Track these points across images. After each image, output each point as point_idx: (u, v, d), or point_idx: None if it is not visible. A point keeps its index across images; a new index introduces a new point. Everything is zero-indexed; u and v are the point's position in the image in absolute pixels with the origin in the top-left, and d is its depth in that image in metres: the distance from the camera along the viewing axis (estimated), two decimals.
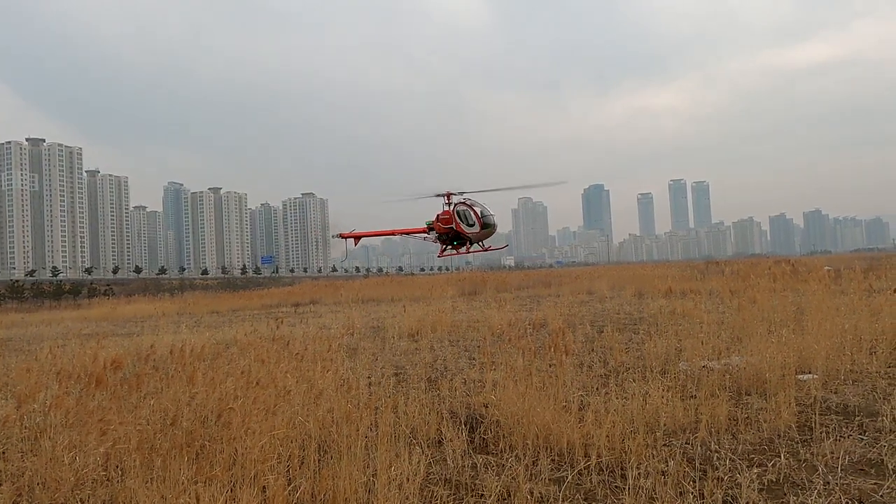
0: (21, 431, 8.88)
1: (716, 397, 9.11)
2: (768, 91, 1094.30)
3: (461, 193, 14.65)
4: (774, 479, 6.64)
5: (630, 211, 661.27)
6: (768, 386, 10.13)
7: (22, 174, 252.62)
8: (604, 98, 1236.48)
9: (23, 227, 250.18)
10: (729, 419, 8.67)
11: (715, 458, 7.26)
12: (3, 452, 8.17)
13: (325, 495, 6.11)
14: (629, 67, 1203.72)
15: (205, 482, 5.89)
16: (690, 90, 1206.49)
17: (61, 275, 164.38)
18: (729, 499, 6.10)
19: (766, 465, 7.00)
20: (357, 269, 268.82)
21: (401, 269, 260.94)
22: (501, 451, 7.87)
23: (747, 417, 8.85)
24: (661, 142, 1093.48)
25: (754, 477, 6.38)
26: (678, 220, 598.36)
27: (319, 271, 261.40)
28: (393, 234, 17.65)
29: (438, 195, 12.07)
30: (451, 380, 12.09)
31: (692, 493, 6.07)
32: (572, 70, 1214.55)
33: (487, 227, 14.24)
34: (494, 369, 12.16)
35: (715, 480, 6.30)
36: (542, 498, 6.34)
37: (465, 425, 8.76)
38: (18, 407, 9.17)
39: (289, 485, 6.23)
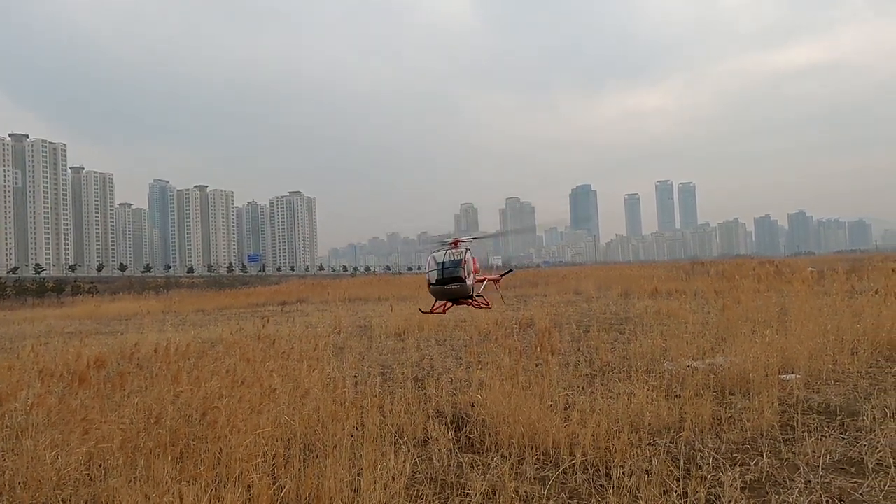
0: (2, 430, 8.79)
1: (700, 397, 9.18)
2: (754, 93, 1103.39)
3: (471, 240, 12.31)
4: (757, 478, 6.71)
5: (617, 211, 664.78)
6: (752, 386, 10.22)
7: (4, 170, 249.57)
8: (592, 99, 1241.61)
9: (5, 223, 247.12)
10: (713, 418, 8.74)
11: (699, 457, 7.32)
12: None
13: (310, 494, 6.09)
14: (617, 69, 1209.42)
15: (189, 481, 5.85)
16: (677, 92, 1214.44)
17: (44, 272, 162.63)
18: (712, 497, 6.15)
19: (749, 464, 7.07)
20: (344, 268, 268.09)
21: (388, 268, 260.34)
22: (487, 450, 7.89)
23: (731, 417, 8.93)
24: (649, 143, 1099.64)
25: (737, 476, 6.44)
26: (664, 221, 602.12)
27: (306, 270, 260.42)
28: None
29: (444, 242, 10.04)
30: (438, 379, 12.10)
31: (676, 491, 6.12)
32: (561, 71, 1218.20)
33: (433, 285, 10.58)
34: (481, 368, 12.17)
35: (698, 479, 6.35)
36: (527, 496, 6.36)
37: (452, 424, 8.77)
38: None
39: (274, 484, 6.21)
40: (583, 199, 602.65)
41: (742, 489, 6.23)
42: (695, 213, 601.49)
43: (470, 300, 9.66)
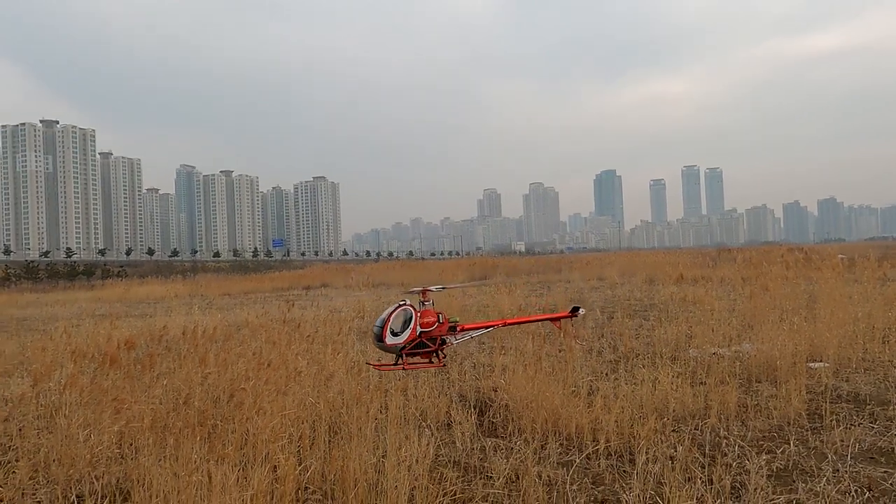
0: (37, 409, 9.03)
1: (726, 384, 9.10)
2: (782, 78, 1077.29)
3: (443, 288, 10.80)
4: (783, 466, 6.65)
5: (642, 197, 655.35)
6: (779, 373, 10.10)
7: (36, 156, 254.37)
8: (614, 85, 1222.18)
9: (37, 208, 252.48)
10: (738, 406, 8.67)
11: (724, 445, 7.27)
12: (20, 429, 8.31)
13: (335, 475, 6.17)
14: (640, 55, 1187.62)
15: (217, 461, 5.96)
16: (703, 77, 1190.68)
17: (75, 256, 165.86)
18: (737, 485, 6.11)
19: (776, 453, 7.00)
20: (367, 253, 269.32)
21: (411, 253, 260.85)
22: (510, 435, 7.92)
23: (757, 405, 8.84)
24: (674, 129, 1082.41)
25: (763, 464, 6.37)
26: (690, 207, 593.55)
27: (330, 255, 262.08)
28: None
29: (412, 292, 8.57)
30: (461, 363, 12.14)
31: (701, 478, 6.08)
32: (582, 57, 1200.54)
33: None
34: (504, 354, 12.19)
35: (724, 466, 6.30)
36: (550, 481, 6.37)
37: (474, 409, 8.81)
38: (34, 385, 9.33)
39: (299, 464, 6.30)
40: (607, 185, 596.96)
41: (768, 477, 6.16)
42: (721, 200, 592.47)
43: (403, 360, 8.17)
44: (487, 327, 8.70)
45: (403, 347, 7.70)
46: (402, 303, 8.06)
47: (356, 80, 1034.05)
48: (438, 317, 7.85)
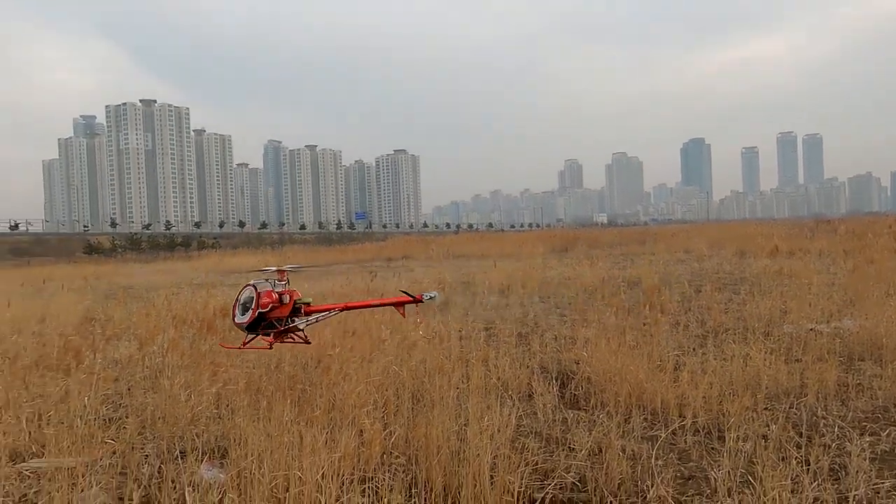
0: (143, 370, 9.71)
1: (824, 362, 8.63)
2: (886, 37, 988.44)
3: (301, 268, 10.84)
4: (889, 449, 6.26)
5: (732, 166, 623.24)
6: (884, 352, 9.47)
7: (136, 134, 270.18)
8: (703, 48, 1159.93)
9: (139, 183, 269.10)
10: (838, 385, 8.21)
11: (822, 425, 6.91)
12: (129, 388, 8.96)
13: (418, 441, 6.30)
14: (731, 14, 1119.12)
15: (306, 423, 6.21)
16: (800, 38, 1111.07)
17: (173, 228, 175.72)
18: (836, 467, 5.81)
19: (880, 435, 6.60)
20: (447, 225, 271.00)
21: (491, 225, 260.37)
22: (592, 408, 7.83)
23: (859, 384, 8.33)
24: (769, 93, 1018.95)
25: (866, 446, 6.01)
26: (786, 176, 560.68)
27: (411, 227, 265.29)
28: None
29: (263, 271, 8.34)
30: (542, 335, 12.08)
31: (796, 458, 5.79)
32: (669, 19, 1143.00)
33: None
34: (586, 326, 12.03)
35: (822, 447, 6.00)
36: (634, 455, 6.26)
37: (556, 381, 8.75)
38: (140, 348, 10.04)
39: (384, 429, 6.48)
40: (695, 154, 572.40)
41: (871, 460, 5.81)
42: (821, 168, 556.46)
43: (245, 339, 8.12)
44: (329, 310, 8.28)
45: (255, 326, 7.67)
46: (249, 283, 8.07)
47: (436, 52, 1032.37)
48: (281, 298, 7.64)
